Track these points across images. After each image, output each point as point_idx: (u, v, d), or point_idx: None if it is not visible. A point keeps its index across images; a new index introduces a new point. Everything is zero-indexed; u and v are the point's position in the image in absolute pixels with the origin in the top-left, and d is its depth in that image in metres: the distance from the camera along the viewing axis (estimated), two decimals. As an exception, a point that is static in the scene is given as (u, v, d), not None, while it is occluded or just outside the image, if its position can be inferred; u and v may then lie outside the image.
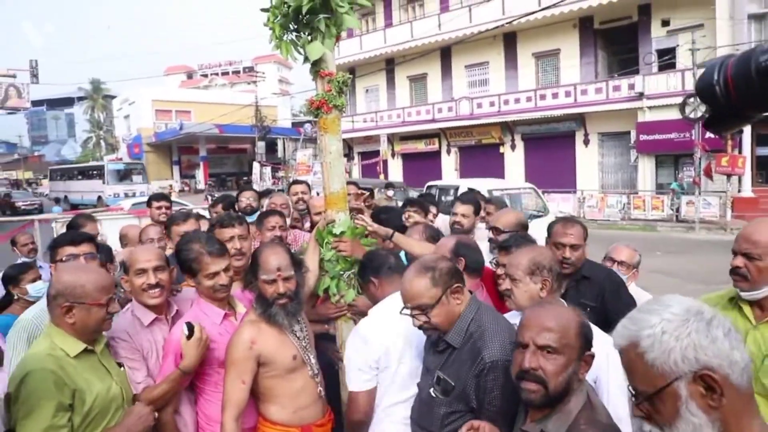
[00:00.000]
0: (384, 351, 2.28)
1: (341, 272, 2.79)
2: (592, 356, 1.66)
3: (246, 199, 5.10)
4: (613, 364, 2.03)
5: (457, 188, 12.03)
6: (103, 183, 30.36)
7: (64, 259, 2.74)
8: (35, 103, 68.98)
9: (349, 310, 2.81)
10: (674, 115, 18.15)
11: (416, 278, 2.03)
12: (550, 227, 2.99)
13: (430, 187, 13.60)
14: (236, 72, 71.02)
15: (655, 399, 1.07)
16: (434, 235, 3.24)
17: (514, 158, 24.74)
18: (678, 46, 19.58)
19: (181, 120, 43.64)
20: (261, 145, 35.04)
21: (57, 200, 23.62)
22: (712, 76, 1.26)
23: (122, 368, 2.25)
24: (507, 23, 20.35)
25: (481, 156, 25.46)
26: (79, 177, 34.29)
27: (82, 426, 1.95)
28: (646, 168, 20.80)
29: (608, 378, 2.04)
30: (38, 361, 1.93)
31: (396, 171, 28.90)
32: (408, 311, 2.04)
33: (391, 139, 28.53)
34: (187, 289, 2.81)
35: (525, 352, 1.64)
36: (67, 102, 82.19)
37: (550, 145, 23.32)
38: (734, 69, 1.21)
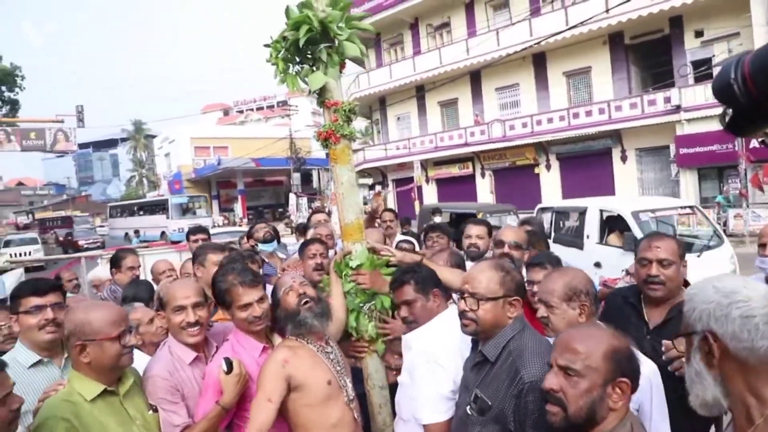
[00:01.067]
0: (458, 375, 2.20)
1: (361, 305, 2.72)
2: (628, 384, 1.55)
3: (259, 230, 5.31)
4: (656, 389, 1.97)
5: (583, 211, 9.08)
6: (167, 218, 30.65)
7: (28, 310, 2.39)
8: (82, 146, 72.26)
9: (369, 346, 2.73)
10: (714, 126, 17.58)
11: (489, 269, 2.10)
12: (636, 244, 2.62)
13: (542, 210, 10.82)
14: (270, 107, 72.75)
15: (684, 339, 1.35)
16: (459, 262, 3.15)
17: (550, 178, 24.37)
18: (714, 56, 19.11)
19: (219, 155, 44.90)
20: (296, 177, 35.61)
21: (137, 232, 24.74)
22: (729, 75, 1.19)
23: (152, 411, 2.17)
24: (535, 44, 20.31)
25: (517, 178, 25.18)
26: (141, 213, 35.13)
27: None
28: (688, 182, 20.14)
29: (651, 404, 1.97)
30: (52, 408, 1.91)
31: (431, 196, 28.82)
32: (461, 295, 2.10)
33: (425, 165, 28.53)
34: (218, 324, 2.80)
35: (549, 373, 1.61)
36: (112, 143, 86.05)
37: (587, 164, 22.88)
38: (751, 65, 1.15)
